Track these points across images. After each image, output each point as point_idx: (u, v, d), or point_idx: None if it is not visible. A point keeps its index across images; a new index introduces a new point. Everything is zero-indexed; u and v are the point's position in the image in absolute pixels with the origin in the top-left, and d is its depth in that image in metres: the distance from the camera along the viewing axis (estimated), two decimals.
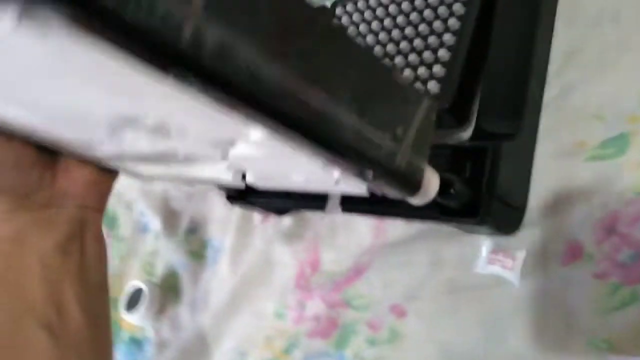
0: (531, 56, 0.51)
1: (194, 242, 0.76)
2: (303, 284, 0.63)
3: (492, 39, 0.53)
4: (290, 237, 0.66)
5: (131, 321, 0.76)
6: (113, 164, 0.47)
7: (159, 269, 0.79)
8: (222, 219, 0.74)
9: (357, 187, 0.40)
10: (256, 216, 0.71)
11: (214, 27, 0.23)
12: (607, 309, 0.45)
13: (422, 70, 0.54)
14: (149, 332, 0.77)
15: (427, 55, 0.55)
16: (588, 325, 0.46)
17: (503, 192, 0.48)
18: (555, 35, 0.53)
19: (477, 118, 0.53)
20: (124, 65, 0.22)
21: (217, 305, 0.70)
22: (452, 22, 0.55)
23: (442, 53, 0.54)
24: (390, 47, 0.59)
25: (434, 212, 0.49)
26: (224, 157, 0.41)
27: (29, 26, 0.19)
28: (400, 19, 0.59)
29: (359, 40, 0.61)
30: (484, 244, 0.52)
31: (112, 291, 0.81)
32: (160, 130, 0.36)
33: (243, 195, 0.64)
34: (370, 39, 0.61)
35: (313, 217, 0.65)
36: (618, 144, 0.48)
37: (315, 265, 0.63)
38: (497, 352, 0.49)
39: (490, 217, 0.48)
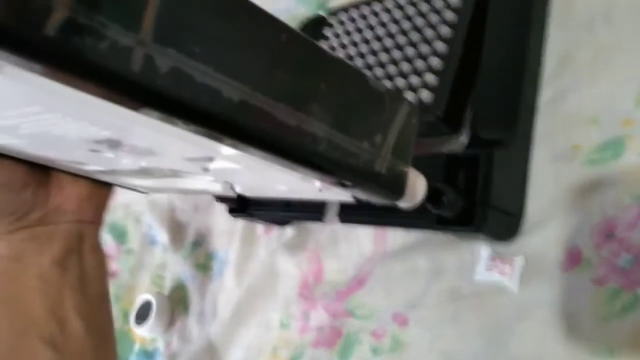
0: (524, 61, 0.51)
1: (200, 254, 0.77)
2: (306, 294, 0.64)
3: (484, 45, 0.53)
4: (293, 247, 0.66)
5: (141, 333, 0.77)
6: (106, 178, 0.47)
7: (168, 282, 0.80)
8: (227, 231, 0.75)
9: (342, 195, 0.39)
10: (259, 227, 0.71)
11: (166, 52, 0.23)
12: (608, 314, 0.45)
13: (414, 79, 0.54)
14: (160, 344, 0.78)
15: (419, 63, 0.55)
16: (589, 331, 0.45)
17: (498, 199, 0.48)
18: (548, 39, 0.53)
19: (471, 126, 0.52)
20: (78, 93, 0.22)
21: (224, 317, 0.71)
22: (444, 30, 0.54)
23: (434, 61, 0.54)
24: (383, 56, 0.58)
25: (430, 221, 0.49)
26: (205, 171, 0.41)
27: None
28: (392, 27, 0.59)
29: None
30: (482, 250, 0.52)
31: (123, 304, 0.83)
32: (135, 149, 0.36)
33: (244, 208, 0.64)
34: (363, 47, 0.61)
35: (314, 227, 0.65)
36: (613, 147, 0.47)
37: (318, 275, 0.64)
38: None
39: (486, 225, 0.48)
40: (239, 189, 0.48)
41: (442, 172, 0.49)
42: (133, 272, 0.85)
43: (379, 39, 0.60)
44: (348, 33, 0.64)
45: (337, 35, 0.65)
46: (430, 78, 0.53)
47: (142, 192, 0.55)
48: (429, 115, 0.52)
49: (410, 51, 0.56)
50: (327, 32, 0.66)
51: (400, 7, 0.60)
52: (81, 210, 0.44)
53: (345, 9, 0.66)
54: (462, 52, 0.53)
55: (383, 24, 0.60)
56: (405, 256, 0.57)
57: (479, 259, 0.52)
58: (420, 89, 0.54)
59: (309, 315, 0.63)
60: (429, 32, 0.56)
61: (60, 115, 0.28)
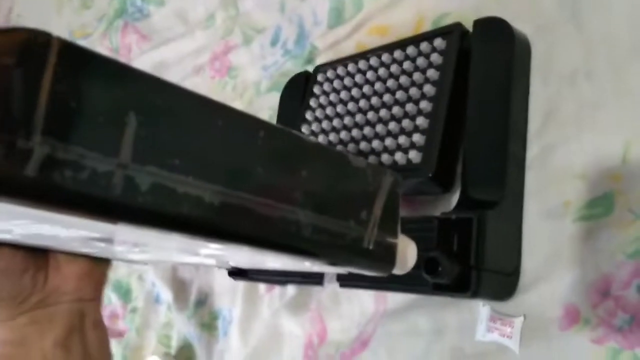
0: (508, 118, 0.51)
1: (204, 313, 0.77)
2: (311, 355, 0.64)
3: (468, 104, 0.53)
4: (296, 307, 0.66)
5: None
6: (104, 255, 0.47)
7: (175, 341, 0.80)
8: (229, 289, 0.75)
9: (333, 270, 0.39)
10: (261, 286, 0.71)
11: (146, 170, 0.23)
12: None
13: (402, 139, 0.55)
14: None
15: (406, 123, 0.55)
16: None
17: (493, 261, 0.48)
18: (531, 94, 0.53)
19: (461, 185, 0.53)
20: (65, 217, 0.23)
21: None
22: (428, 89, 0.55)
23: (421, 121, 0.54)
24: (370, 115, 0.59)
25: (427, 287, 0.49)
26: (197, 255, 0.41)
27: None
28: (378, 86, 0.59)
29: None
30: (482, 309, 0.52)
31: None
32: (127, 243, 0.37)
33: (243, 272, 0.65)
34: (351, 105, 0.61)
35: (315, 286, 0.65)
36: (604, 203, 0.47)
37: (322, 336, 0.64)
38: None
39: (482, 289, 0.47)
40: (233, 264, 0.49)
41: (435, 236, 0.49)
42: (140, 331, 0.85)
43: (366, 97, 0.60)
44: (336, 90, 0.64)
45: (325, 94, 0.65)
46: (418, 138, 0.54)
47: (141, 264, 0.55)
48: (420, 175, 0.53)
49: (397, 110, 0.56)
50: (316, 89, 0.66)
51: (385, 66, 0.60)
52: (80, 288, 0.44)
53: (332, 66, 0.66)
54: (448, 110, 0.53)
55: (369, 82, 0.61)
56: (406, 315, 0.57)
57: (479, 318, 0.52)
58: (409, 149, 0.54)
59: None
60: (413, 91, 0.56)
61: (49, 226, 0.29)
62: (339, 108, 0.63)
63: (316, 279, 0.60)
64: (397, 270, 0.38)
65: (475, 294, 0.48)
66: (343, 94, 0.63)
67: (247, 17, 0.84)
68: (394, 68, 0.59)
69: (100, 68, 0.22)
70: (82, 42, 1.15)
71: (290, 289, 0.68)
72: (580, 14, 0.51)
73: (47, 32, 0.21)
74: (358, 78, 0.62)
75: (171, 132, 0.25)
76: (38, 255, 0.42)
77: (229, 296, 0.75)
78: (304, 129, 0.65)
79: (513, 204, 0.51)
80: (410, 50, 0.58)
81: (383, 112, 0.58)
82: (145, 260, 0.55)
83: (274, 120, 0.73)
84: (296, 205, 0.30)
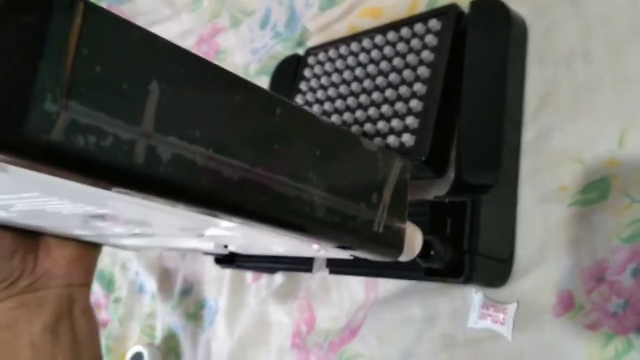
0: (504, 101, 0.50)
1: (189, 303, 0.76)
2: (299, 343, 0.62)
3: (463, 86, 0.52)
4: (284, 296, 0.65)
5: None
6: (95, 240, 0.46)
7: (159, 331, 0.78)
8: (215, 278, 0.73)
9: (341, 255, 0.39)
10: (248, 274, 0.70)
11: (167, 140, 0.23)
12: None
13: (395, 123, 0.53)
14: None
15: (400, 106, 0.54)
16: None
17: (487, 246, 0.47)
18: (528, 76, 0.52)
19: (455, 169, 0.51)
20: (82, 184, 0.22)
21: None
22: (422, 71, 0.54)
23: (414, 103, 0.53)
24: (363, 98, 0.57)
25: (419, 273, 0.48)
26: (200, 236, 0.40)
27: None
28: (371, 68, 0.58)
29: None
30: (475, 296, 0.51)
31: (114, 356, 0.81)
32: (130, 221, 0.36)
33: (231, 260, 0.63)
34: (343, 89, 0.60)
35: (304, 274, 0.64)
36: (600, 188, 0.46)
37: (310, 324, 0.62)
38: None
39: (476, 275, 0.46)
40: (232, 248, 0.48)
41: (428, 220, 0.48)
42: (123, 321, 0.83)
43: (358, 80, 0.59)
44: (327, 73, 0.63)
45: (316, 76, 0.64)
46: (411, 121, 0.53)
47: (132, 251, 0.54)
48: (413, 158, 0.52)
49: (390, 93, 0.55)
50: (307, 72, 0.65)
51: (378, 47, 0.59)
52: (70, 273, 0.44)
53: (324, 48, 0.65)
54: (442, 93, 0.52)
55: (362, 64, 0.59)
56: (397, 303, 0.56)
57: (472, 306, 0.50)
58: (402, 132, 0.53)
59: None
60: (407, 73, 0.55)
61: (57, 199, 0.29)
62: (331, 91, 0.61)
63: (305, 265, 0.58)
64: (404, 257, 0.38)
65: (468, 280, 0.46)
66: (335, 77, 0.62)
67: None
68: (387, 50, 0.58)
69: (124, 33, 0.22)
70: None
71: (278, 278, 0.66)
72: None
73: None
74: (350, 60, 0.61)
75: (192, 103, 0.24)
76: (28, 238, 0.41)
77: (215, 285, 0.73)
78: None
79: (508, 189, 0.50)
80: (404, 31, 0.57)
81: (376, 95, 0.57)
82: (138, 247, 0.54)
83: None
84: (311, 185, 0.30)
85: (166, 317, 0.77)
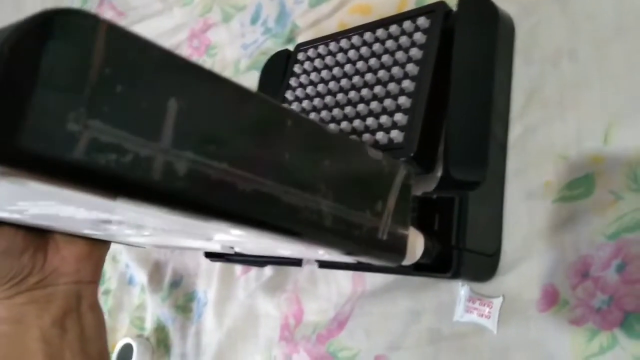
0: (491, 98, 0.51)
1: (179, 295, 0.76)
2: (288, 336, 0.63)
3: (451, 83, 0.52)
4: (272, 288, 0.66)
5: None
6: (103, 237, 0.47)
7: (148, 323, 0.79)
8: (205, 270, 0.74)
9: (344, 258, 0.40)
10: (237, 267, 0.70)
11: (183, 155, 0.24)
12: (587, 355, 0.44)
13: (384, 119, 0.54)
14: None
15: (388, 103, 0.54)
16: None
17: (474, 241, 0.48)
18: (515, 74, 0.53)
19: (443, 165, 0.52)
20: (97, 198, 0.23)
21: None
22: (411, 68, 0.54)
23: (403, 100, 0.53)
24: (352, 94, 0.58)
25: (407, 267, 0.48)
26: (208, 240, 0.41)
27: (10, 182, 0.21)
28: (360, 65, 0.59)
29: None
30: (461, 290, 0.51)
31: None
32: (142, 227, 0.37)
33: (221, 253, 0.63)
34: (332, 85, 0.60)
35: (293, 267, 0.64)
36: (585, 184, 0.47)
37: (298, 317, 0.63)
38: None
39: (463, 270, 0.47)
40: (238, 249, 0.48)
41: (416, 216, 0.49)
42: (112, 313, 0.84)
43: (347, 76, 0.60)
44: (317, 69, 0.63)
45: (306, 72, 0.64)
46: (400, 117, 0.53)
47: (139, 247, 0.55)
48: (401, 155, 0.52)
49: (379, 90, 0.56)
50: (296, 68, 0.65)
51: (367, 44, 0.59)
52: (79, 271, 0.44)
53: (313, 44, 0.65)
54: (430, 90, 0.53)
55: (351, 61, 0.60)
56: (384, 297, 0.56)
57: (458, 299, 0.51)
58: (391, 128, 0.53)
59: (291, 359, 0.62)
60: (396, 70, 0.55)
61: (73, 207, 0.29)
62: (320, 87, 0.62)
63: (295, 259, 0.59)
64: (406, 262, 0.39)
65: (456, 275, 0.47)
66: (324, 73, 0.62)
67: None
68: (376, 47, 0.58)
69: (145, 53, 0.23)
70: None
71: (267, 271, 0.67)
72: None
73: (95, 14, 0.21)
74: (340, 57, 0.61)
75: (207, 118, 0.25)
76: (37, 236, 0.42)
77: (205, 278, 0.74)
78: None
79: (495, 185, 0.51)
80: (393, 28, 0.57)
81: (365, 92, 0.57)
82: (146, 244, 0.54)
83: None
84: (319, 195, 0.30)
85: (156, 309, 0.78)
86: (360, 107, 0.57)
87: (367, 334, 0.57)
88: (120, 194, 0.22)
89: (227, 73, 0.79)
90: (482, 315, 0.50)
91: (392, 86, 0.55)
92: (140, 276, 0.81)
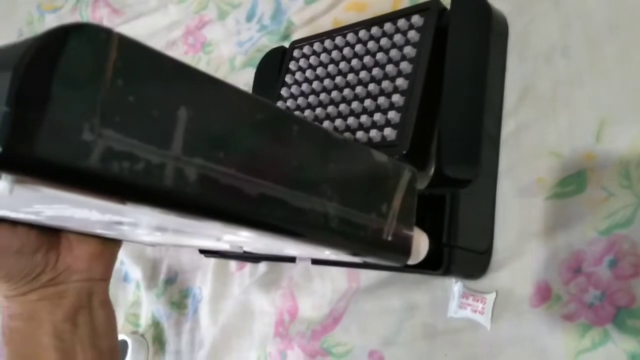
0: (484, 96, 0.51)
1: (174, 292, 0.76)
2: (282, 332, 0.63)
3: (444, 81, 0.53)
4: (267, 284, 0.66)
5: None
6: (114, 236, 0.48)
7: (143, 320, 0.79)
8: (200, 267, 0.74)
9: (349, 258, 0.40)
10: (232, 263, 0.70)
11: (193, 162, 0.24)
12: (579, 350, 0.45)
13: (377, 117, 0.54)
14: None
15: (382, 100, 0.54)
16: None
17: (466, 239, 0.48)
18: (508, 71, 0.53)
19: (435, 163, 0.52)
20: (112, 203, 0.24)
21: (200, 356, 0.70)
22: (405, 66, 0.54)
23: (396, 98, 0.54)
24: (347, 92, 0.58)
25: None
26: (218, 240, 0.42)
27: (27, 189, 0.22)
28: (355, 63, 0.59)
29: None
30: (454, 286, 0.52)
31: None
32: (154, 228, 0.38)
33: (215, 250, 0.64)
34: (327, 82, 0.61)
35: (287, 264, 0.65)
36: (577, 181, 0.47)
37: (293, 313, 0.63)
38: None
39: (454, 267, 0.47)
40: (247, 249, 0.49)
41: None
42: None
43: (342, 74, 0.60)
44: (312, 67, 0.63)
45: (301, 69, 0.64)
46: (393, 115, 0.53)
47: (148, 245, 0.56)
48: (394, 152, 0.52)
49: (373, 87, 0.56)
50: (292, 65, 0.65)
51: (362, 42, 0.59)
52: (91, 268, 0.45)
53: (309, 41, 0.65)
54: (423, 88, 0.53)
55: (345, 58, 0.60)
56: (378, 293, 0.57)
57: (452, 296, 0.52)
58: (384, 126, 0.54)
59: (286, 355, 0.62)
60: (390, 68, 0.55)
61: (87, 210, 0.30)
62: (315, 84, 0.62)
63: (289, 256, 0.59)
64: (411, 261, 0.40)
65: (447, 272, 0.47)
66: (319, 70, 0.62)
67: None
68: (370, 45, 0.58)
69: (156, 64, 0.24)
70: (51, 16, 1.12)
71: (262, 267, 0.67)
72: None
73: (108, 27, 0.22)
74: (334, 54, 0.61)
75: (216, 126, 0.26)
76: (50, 235, 0.43)
77: (199, 274, 0.74)
78: (279, 105, 0.64)
79: (487, 182, 0.51)
80: (388, 26, 0.58)
81: (359, 89, 0.57)
82: (153, 243, 0.55)
83: None
84: (325, 198, 0.31)
85: (150, 306, 0.78)
86: (354, 104, 0.57)
87: (362, 330, 0.57)
88: (133, 199, 0.23)
89: (223, 70, 0.79)
90: (475, 311, 0.50)
91: (385, 84, 0.55)
92: (135, 273, 0.81)
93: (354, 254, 0.35)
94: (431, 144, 0.55)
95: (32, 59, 0.20)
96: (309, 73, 0.63)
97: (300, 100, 0.63)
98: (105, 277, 0.47)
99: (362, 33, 0.60)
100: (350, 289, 0.59)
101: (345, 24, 0.63)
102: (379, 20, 0.59)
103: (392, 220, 0.36)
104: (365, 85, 0.57)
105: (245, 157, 0.27)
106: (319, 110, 0.60)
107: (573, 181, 0.48)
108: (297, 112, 0.63)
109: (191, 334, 0.72)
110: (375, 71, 0.56)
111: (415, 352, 0.53)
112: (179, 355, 0.73)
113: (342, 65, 0.60)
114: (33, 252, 0.42)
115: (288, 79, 0.65)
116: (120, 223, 0.36)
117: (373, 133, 0.54)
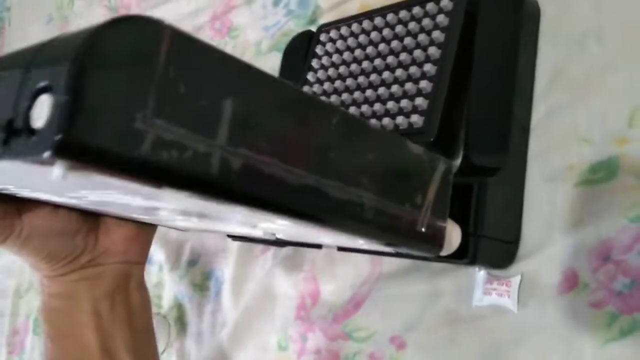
0: (514, 82, 0.50)
1: (196, 273, 0.77)
2: (304, 315, 0.63)
3: (473, 67, 0.52)
4: (289, 268, 0.66)
5: None
6: (150, 221, 0.49)
7: (166, 301, 0.79)
8: (223, 249, 0.75)
9: (383, 248, 0.41)
10: (256, 247, 0.71)
11: (238, 151, 0.25)
12: (606, 339, 0.44)
13: (405, 103, 0.54)
14: None
15: (409, 86, 0.54)
16: (588, 355, 0.45)
17: (493, 228, 0.48)
18: (539, 54, 0.52)
19: (463, 151, 0.52)
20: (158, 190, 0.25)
21: (222, 338, 0.70)
22: (432, 51, 0.54)
23: (424, 84, 0.53)
24: (374, 77, 0.58)
25: None
26: (253, 227, 0.43)
27: (78, 176, 0.23)
28: (382, 47, 0.58)
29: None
30: (478, 275, 0.51)
31: None
32: (192, 214, 0.39)
33: (243, 235, 0.64)
34: (354, 67, 0.60)
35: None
36: (608, 167, 0.47)
37: (315, 297, 0.63)
38: None
39: (480, 256, 0.47)
40: (280, 236, 0.49)
41: None
42: None
43: (369, 58, 0.59)
44: (339, 51, 0.63)
45: (328, 54, 0.64)
46: (420, 101, 0.53)
47: (181, 230, 0.57)
48: (421, 139, 0.52)
49: (400, 73, 0.55)
50: (318, 49, 0.65)
51: (390, 26, 0.59)
52: (127, 252, 0.47)
53: (336, 25, 0.65)
54: (452, 73, 0.52)
55: (373, 43, 0.60)
56: (401, 279, 0.57)
57: (476, 283, 0.51)
58: (411, 113, 0.53)
59: (306, 338, 0.62)
60: (418, 53, 0.55)
61: (130, 196, 0.31)
62: (342, 69, 0.62)
63: (317, 243, 0.59)
64: (444, 252, 0.41)
65: (473, 261, 0.47)
66: (346, 55, 0.62)
67: None
68: (398, 29, 0.58)
69: (205, 55, 0.25)
70: (80, 2, 1.13)
71: (285, 250, 0.67)
72: None
73: (160, 20, 0.23)
74: (362, 39, 0.61)
75: (260, 117, 0.27)
76: (90, 219, 0.45)
77: (222, 257, 0.75)
78: (306, 90, 0.64)
79: (516, 170, 0.50)
80: (416, 10, 0.57)
81: (386, 75, 0.57)
82: (187, 227, 0.56)
83: None
84: (362, 189, 0.32)
85: (173, 287, 0.79)
86: (381, 90, 0.56)
87: (384, 315, 0.57)
88: (180, 187, 0.24)
89: (249, 55, 0.79)
90: (501, 295, 0.49)
91: (413, 69, 0.55)
92: (159, 255, 0.82)
93: (388, 244, 0.36)
94: (460, 131, 0.54)
95: (89, 50, 0.21)
96: (335, 57, 0.63)
97: (326, 85, 0.63)
98: (141, 260, 0.49)
99: (390, 17, 0.59)
100: (373, 274, 0.59)
101: (372, 7, 0.62)
102: (407, 4, 0.58)
103: (426, 211, 0.36)
104: (393, 70, 0.57)
105: (287, 148, 0.28)
106: (345, 95, 0.60)
107: (603, 167, 0.47)
108: (323, 98, 0.63)
109: (213, 315, 0.73)
110: (403, 56, 0.56)
111: (438, 338, 0.53)
112: (200, 337, 0.74)
113: (370, 49, 0.60)
114: (73, 235, 0.43)
115: (315, 63, 0.65)
116: (159, 209, 0.37)
117: (400, 120, 0.54)
